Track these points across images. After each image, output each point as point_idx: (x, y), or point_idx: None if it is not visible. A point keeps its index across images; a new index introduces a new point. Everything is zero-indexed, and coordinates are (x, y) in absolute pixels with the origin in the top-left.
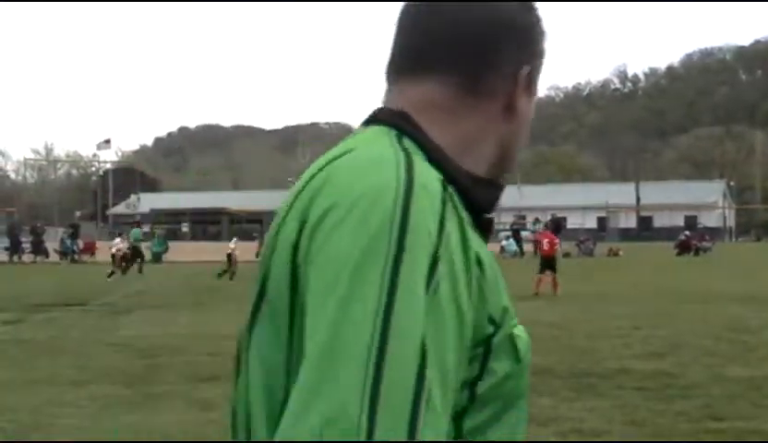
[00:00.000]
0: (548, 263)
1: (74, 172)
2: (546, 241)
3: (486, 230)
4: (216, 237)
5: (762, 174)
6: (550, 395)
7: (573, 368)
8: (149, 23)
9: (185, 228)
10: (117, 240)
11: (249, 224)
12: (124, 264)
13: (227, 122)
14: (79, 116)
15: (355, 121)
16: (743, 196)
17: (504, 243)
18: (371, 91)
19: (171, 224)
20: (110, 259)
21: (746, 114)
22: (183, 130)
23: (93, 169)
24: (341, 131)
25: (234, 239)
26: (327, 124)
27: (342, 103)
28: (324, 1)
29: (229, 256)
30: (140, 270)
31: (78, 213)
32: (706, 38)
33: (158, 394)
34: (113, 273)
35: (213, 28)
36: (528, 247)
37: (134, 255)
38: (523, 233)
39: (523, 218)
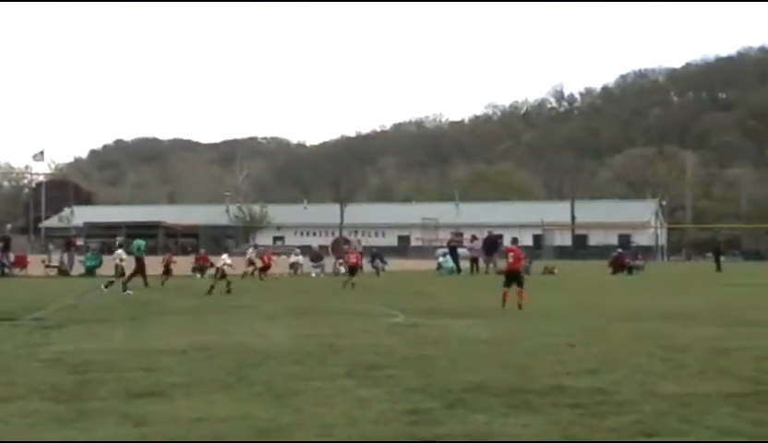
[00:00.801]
0: (514, 277)
1: (5, 184)
2: (511, 255)
3: None
4: (152, 251)
5: (693, 194)
6: (485, 411)
7: (508, 385)
8: (84, 33)
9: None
10: (120, 251)
11: (186, 238)
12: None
13: (164, 135)
14: (11, 127)
15: (294, 137)
16: (674, 215)
17: (441, 260)
18: (309, 108)
19: (105, 238)
20: (44, 272)
21: (677, 135)
22: (119, 143)
23: (26, 181)
24: (278, 146)
25: (225, 255)
26: (264, 139)
27: (281, 119)
28: (260, 16)
29: (218, 269)
30: (146, 283)
31: (8, 226)
32: (640, 59)
33: (90, 410)
34: (111, 283)
35: (150, 40)
36: (464, 264)
37: (138, 267)
38: (460, 251)
39: (460, 235)
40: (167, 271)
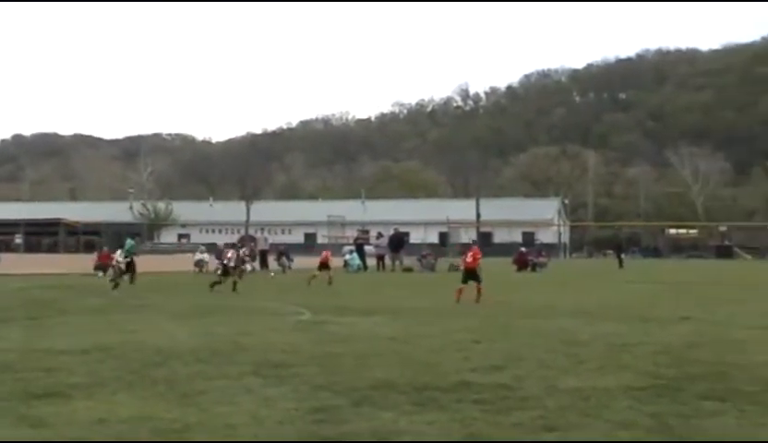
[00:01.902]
0: (471, 275)
1: None
2: (469, 254)
3: None
4: (52, 249)
5: (595, 193)
6: (391, 409)
7: (414, 382)
8: None
9: (18, 240)
10: (118, 252)
11: (87, 236)
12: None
13: (65, 130)
14: None
15: (199, 133)
16: (577, 213)
17: (347, 257)
18: (215, 105)
19: (3, 236)
20: None
21: (580, 135)
22: (17, 138)
23: None
24: (183, 143)
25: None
26: (169, 135)
27: (186, 115)
28: (164, 9)
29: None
30: (132, 281)
31: None
32: (543, 60)
33: None
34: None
35: (50, 30)
36: (371, 261)
37: (128, 266)
38: (367, 248)
39: (367, 232)
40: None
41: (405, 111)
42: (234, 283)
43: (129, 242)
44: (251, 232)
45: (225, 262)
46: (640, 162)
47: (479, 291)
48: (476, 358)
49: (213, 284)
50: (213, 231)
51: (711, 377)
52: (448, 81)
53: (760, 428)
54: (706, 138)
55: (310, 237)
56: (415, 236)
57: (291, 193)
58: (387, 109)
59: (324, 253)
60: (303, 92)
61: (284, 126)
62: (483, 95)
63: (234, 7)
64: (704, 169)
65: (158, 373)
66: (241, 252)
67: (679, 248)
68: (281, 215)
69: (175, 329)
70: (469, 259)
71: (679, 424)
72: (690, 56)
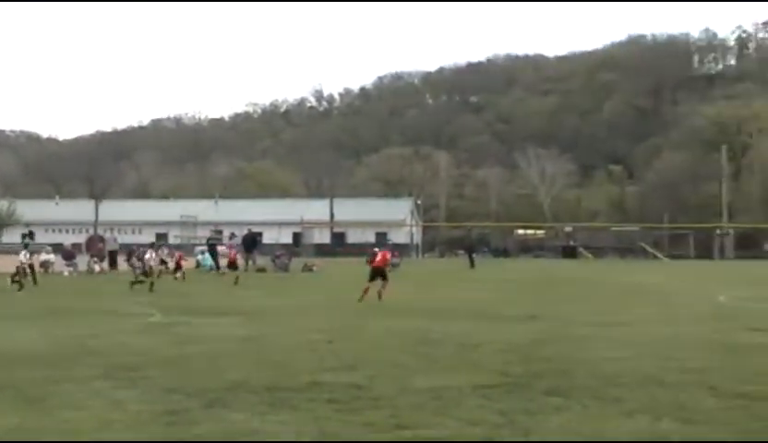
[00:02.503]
0: (379, 273)
1: None
2: (380, 254)
3: None
4: None
5: (446, 194)
6: (244, 410)
7: (267, 382)
8: None
9: None
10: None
11: None
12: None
13: None
14: None
15: (44, 130)
16: (429, 214)
17: (199, 257)
18: (62, 102)
19: None
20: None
21: (432, 136)
22: None
23: None
24: (28, 140)
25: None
26: (13, 132)
27: (30, 112)
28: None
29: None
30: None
31: None
32: (397, 62)
33: None
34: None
35: None
36: (224, 262)
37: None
38: (219, 248)
39: (220, 232)
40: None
41: (259, 111)
42: (152, 284)
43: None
44: (100, 231)
45: (144, 262)
46: (490, 164)
47: (385, 288)
48: (329, 358)
49: (134, 283)
50: (60, 230)
51: (555, 374)
52: (302, 82)
53: (601, 421)
54: (553, 141)
55: (161, 237)
56: (269, 236)
57: (142, 192)
58: (240, 108)
59: (177, 254)
60: (154, 91)
61: (135, 125)
62: (337, 96)
63: (81, 2)
64: (551, 171)
65: (2, 378)
66: (159, 253)
67: (527, 248)
68: (131, 214)
69: (21, 332)
70: (378, 258)
71: (526, 419)
72: (538, 62)
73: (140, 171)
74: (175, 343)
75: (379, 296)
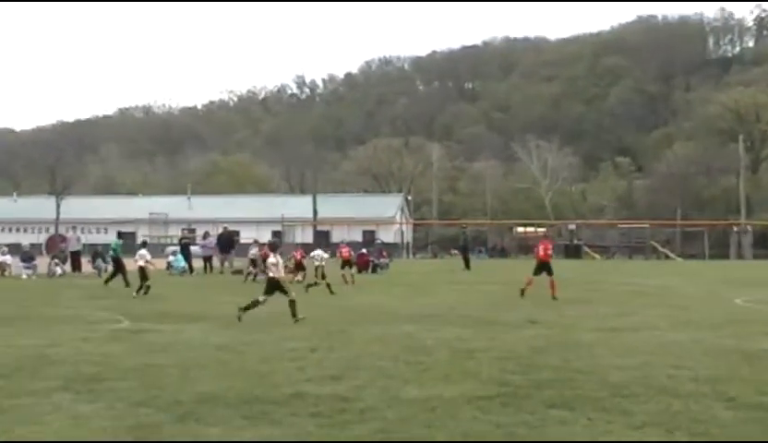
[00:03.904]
0: (544, 267)
1: None
2: (542, 247)
3: None
4: None
5: (439, 188)
6: (219, 424)
7: (245, 395)
8: None
9: None
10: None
11: None
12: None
13: None
14: None
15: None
16: (420, 210)
17: (171, 258)
18: (20, 90)
19: None
20: None
21: (423, 126)
22: None
23: None
24: None
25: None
26: None
27: None
28: None
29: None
30: (127, 284)
31: None
32: (385, 46)
33: None
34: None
35: None
36: (198, 263)
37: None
38: (193, 249)
39: (193, 231)
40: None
41: (235, 99)
42: (148, 288)
43: (116, 242)
44: (61, 230)
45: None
46: (486, 156)
47: (553, 285)
48: (312, 368)
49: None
50: (18, 229)
51: (558, 384)
52: (282, 67)
53: (608, 435)
54: (554, 132)
55: (129, 237)
56: (246, 235)
57: (107, 187)
58: (215, 96)
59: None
60: (121, 77)
61: (100, 115)
62: (320, 83)
63: None
64: (553, 164)
65: None
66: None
67: (527, 248)
68: (95, 212)
69: None
70: (541, 253)
71: (526, 433)
72: (538, 45)
73: (106, 164)
74: (144, 352)
75: (553, 294)
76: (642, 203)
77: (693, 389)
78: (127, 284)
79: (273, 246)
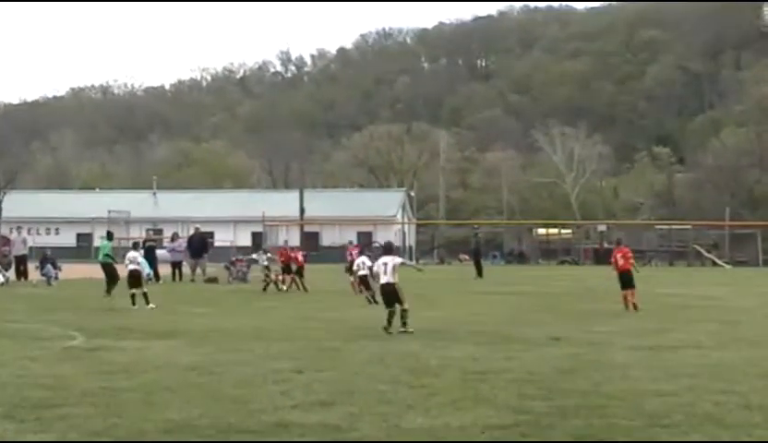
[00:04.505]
0: (627, 279)
1: None
2: (620, 255)
3: None
4: None
5: (447, 183)
6: None
7: (219, 423)
8: None
9: None
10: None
11: None
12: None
13: None
14: None
15: None
16: (425, 208)
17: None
18: None
19: None
20: None
21: (429, 110)
22: None
23: None
24: None
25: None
26: None
27: None
28: None
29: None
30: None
31: None
32: (384, 17)
33: None
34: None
35: None
36: (165, 270)
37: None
38: (159, 252)
39: (160, 232)
40: None
41: (209, 78)
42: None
43: (105, 244)
44: (4, 231)
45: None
46: (502, 145)
47: (632, 296)
48: (299, 392)
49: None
50: None
51: (586, 412)
52: (264, 41)
53: None
54: (582, 117)
55: (85, 238)
56: (222, 237)
57: (59, 181)
58: (185, 75)
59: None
60: (74, 52)
61: (50, 96)
62: (308, 59)
63: None
64: (580, 154)
65: None
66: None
67: (550, 252)
68: (45, 210)
69: None
70: (621, 261)
71: None
72: (563, 15)
73: (57, 154)
74: (102, 373)
75: (635, 307)
76: (685, 201)
77: (744, 419)
78: (108, 293)
79: (389, 248)
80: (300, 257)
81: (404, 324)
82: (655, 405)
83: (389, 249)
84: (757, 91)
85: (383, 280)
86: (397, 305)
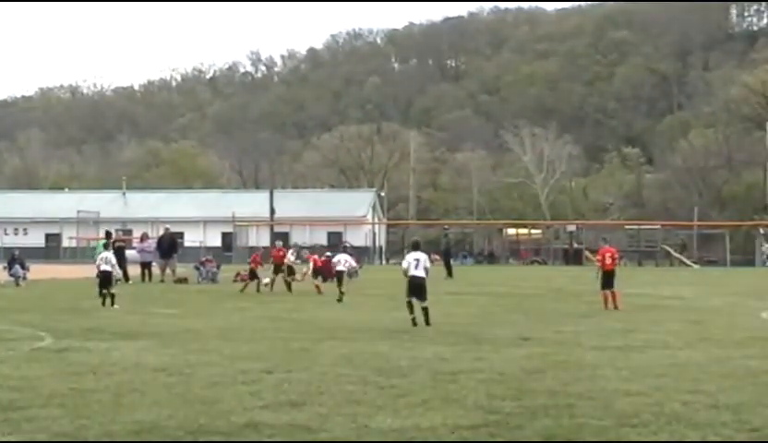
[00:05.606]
0: (610, 278)
1: None
2: (608, 255)
3: None
4: None
5: (417, 184)
6: None
7: (188, 424)
8: None
9: None
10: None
11: None
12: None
13: None
14: None
15: None
16: (396, 209)
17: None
18: None
19: None
20: None
21: (399, 111)
22: None
23: None
24: None
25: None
26: None
27: None
28: None
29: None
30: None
31: None
32: (354, 18)
33: None
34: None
35: None
36: (135, 270)
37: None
38: (128, 253)
39: (129, 233)
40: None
41: (178, 78)
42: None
43: (102, 243)
44: None
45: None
46: (472, 146)
47: (615, 297)
48: (268, 393)
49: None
50: None
51: (555, 411)
52: (234, 41)
53: None
54: (551, 117)
55: (53, 238)
56: (192, 238)
57: (26, 181)
58: (154, 75)
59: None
60: (43, 53)
61: (18, 96)
62: (278, 60)
63: None
64: (549, 155)
65: None
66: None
67: (519, 252)
68: (12, 210)
69: None
70: (608, 261)
71: None
72: (533, 17)
73: (25, 154)
74: (70, 374)
75: (615, 307)
76: (654, 201)
77: (712, 418)
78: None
79: (417, 245)
80: (318, 260)
81: (427, 322)
82: (624, 405)
83: (417, 246)
84: (725, 93)
85: (414, 273)
86: (414, 299)
